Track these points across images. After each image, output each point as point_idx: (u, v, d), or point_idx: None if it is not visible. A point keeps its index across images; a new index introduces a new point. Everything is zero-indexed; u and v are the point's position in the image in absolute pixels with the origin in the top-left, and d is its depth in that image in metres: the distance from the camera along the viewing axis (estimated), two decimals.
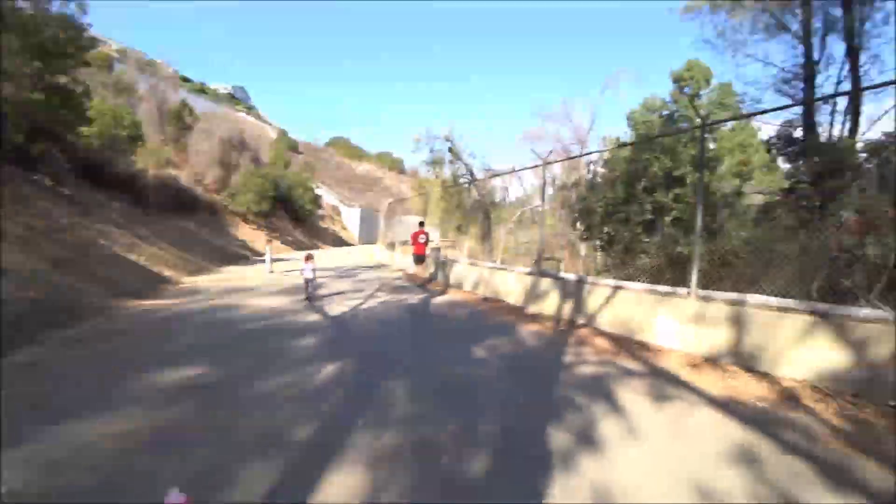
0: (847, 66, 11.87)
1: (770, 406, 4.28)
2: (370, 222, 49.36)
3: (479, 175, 19.07)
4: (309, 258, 10.13)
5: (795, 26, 13.08)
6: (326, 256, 25.55)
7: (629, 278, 7.70)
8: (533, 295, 8.85)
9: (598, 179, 16.22)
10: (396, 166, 78.46)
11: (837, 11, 11.95)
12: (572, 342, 6.66)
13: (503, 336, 7.00)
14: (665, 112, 33.11)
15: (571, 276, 8.47)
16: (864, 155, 9.44)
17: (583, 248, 15.51)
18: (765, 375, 4.97)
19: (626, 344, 6.42)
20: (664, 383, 4.90)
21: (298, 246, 30.34)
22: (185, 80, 55.15)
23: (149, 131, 24.81)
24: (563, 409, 4.15)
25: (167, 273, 12.61)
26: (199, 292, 10.71)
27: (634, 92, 39.98)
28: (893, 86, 5.09)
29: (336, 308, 8.83)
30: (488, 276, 10.44)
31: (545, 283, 8.63)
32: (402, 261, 17.66)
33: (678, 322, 6.09)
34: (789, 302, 5.11)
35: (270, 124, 66.40)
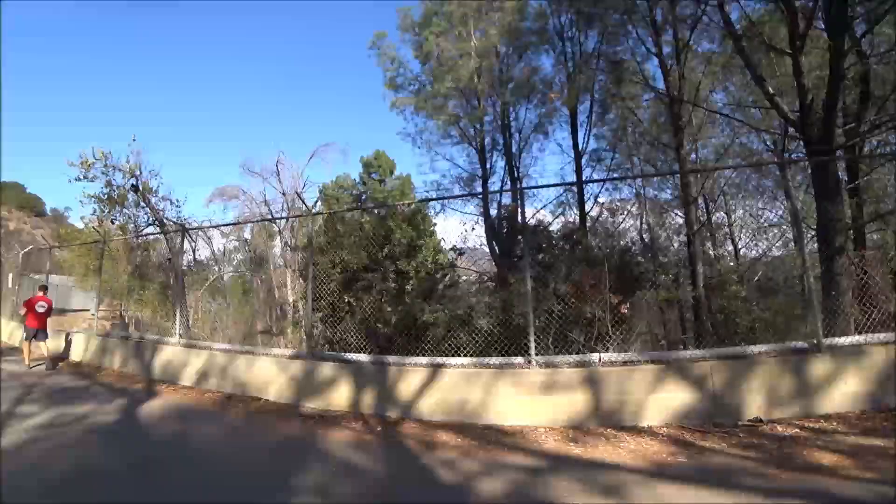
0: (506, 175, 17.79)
1: (686, 458, 4.15)
2: None
3: (170, 226, 14.56)
4: None
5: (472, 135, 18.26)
6: None
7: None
8: (310, 387, 6.26)
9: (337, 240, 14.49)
10: (30, 205, 58.82)
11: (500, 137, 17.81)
12: (416, 447, 4.74)
13: (312, 460, 4.37)
14: (354, 192, 34.63)
15: (365, 358, 6.33)
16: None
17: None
18: (638, 429, 4.89)
19: (475, 433, 5.07)
20: (581, 470, 4.01)
21: None
22: None
23: None
24: None
25: None
26: None
27: (339, 164, 40.14)
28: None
29: None
30: (226, 363, 7.15)
31: (327, 369, 6.22)
32: (54, 340, 11.53)
33: (525, 395, 5.29)
34: (629, 355, 5.58)
35: None
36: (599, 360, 5.47)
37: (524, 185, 18.60)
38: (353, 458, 4.39)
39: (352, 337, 9.21)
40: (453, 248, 14.10)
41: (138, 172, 13.39)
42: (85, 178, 12.75)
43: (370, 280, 11.25)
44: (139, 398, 6.78)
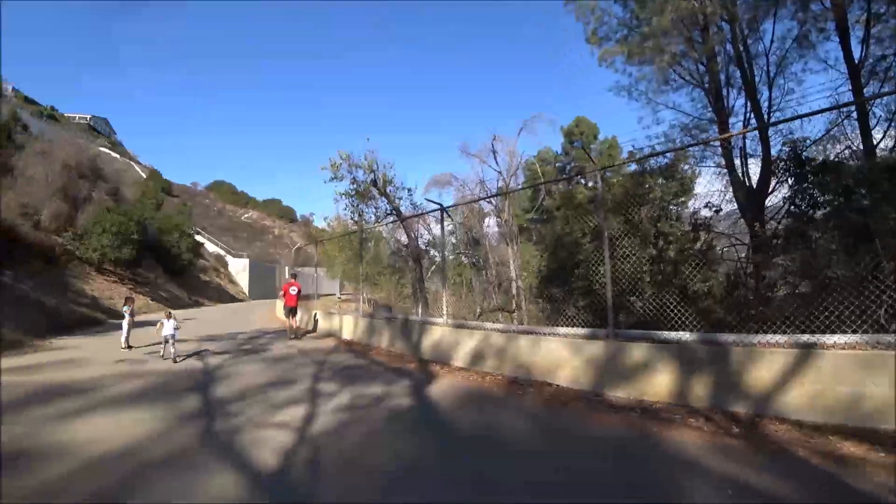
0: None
1: None
2: (261, 274, 43.56)
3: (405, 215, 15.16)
4: (169, 316, 8.66)
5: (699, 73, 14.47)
6: (215, 316, 19.40)
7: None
8: (614, 372, 5.15)
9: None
10: (286, 215, 71.68)
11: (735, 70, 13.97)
12: (820, 461, 3.33)
13: (680, 473, 3.24)
14: (557, 164, 32.79)
15: (689, 336, 4.96)
16: None
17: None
18: None
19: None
20: None
21: (175, 303, 23.24)
22: (30, 101, 45.30)
23: None
24: None
25: None
26: None
27: (548, 135, 38.29)
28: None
29: (261, 436, 4.07)
30: (503, 344, 6.48)
31: (638, 351, 5.00)
32: (325, 321, 12.88)
33: None
34: None
35: (140, 164, 56.51)
36: None
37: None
38: (742, 475, 3.12)
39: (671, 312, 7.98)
40: (707, 206, 11.82)
41: (375, 167, 14.11)
42: (335, 178, 13.91)
43: (628, 247, 9.85)
44: (420, 379, 6.51)
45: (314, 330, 13.51)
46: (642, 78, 17.14)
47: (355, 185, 14.18)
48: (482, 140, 29.90)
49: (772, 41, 14.91)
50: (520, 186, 19.12)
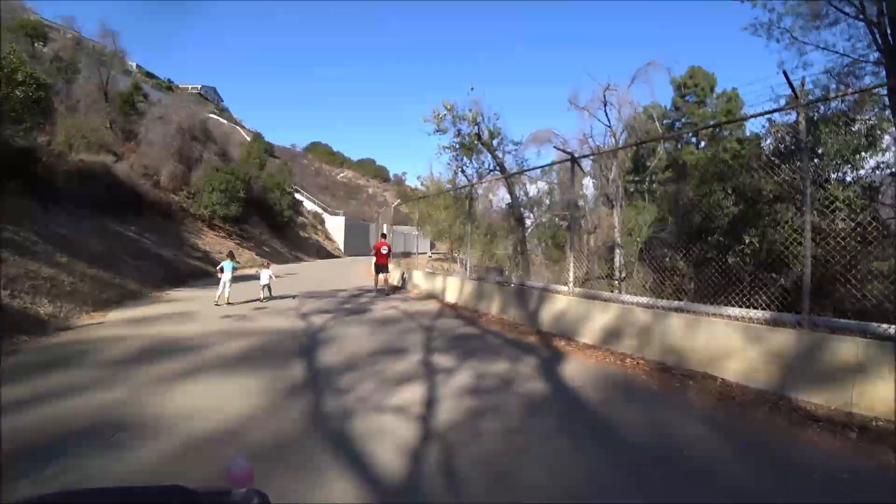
0: None
1: None
2: (356, 232, 44.98)
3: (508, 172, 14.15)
4: (267, 265, 10.88)
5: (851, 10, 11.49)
6: (315, 272, 19.83)
7: None
8: (808, 371, 3.96)
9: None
10: (380, 174, 73.15)
11: None
12: None
13: None
14: (665, 121, 29.45)
15: None
16: None
17: None
18: None
19: None
20: None
21: (277, 258, 24.30)
22: (150, 75, 48.95)
23: (90, 116, 19.25)
24: None
25: (47, 309, 6.97)
26: (70, 363, 4.91)
27: (664, 87, 33.75)
28: None
29: (379, 425, 3.43)
30: (648, 322, 5.39)
31: (848, 347, 3.72)
32: (426, 281, 12.43)
33: None
34: None
35: (245, 128, 59.61)
36: None
37: None
38: None
39: None
40: (879, 166, 9.66)
41: (480, 119, 13.20)
42: (439, 130, 13.23)
43: (777, 212, 8.26)
44: (546, 356, 5.68)
45: (404, 287, 13.47)
46: (790, 11, 14.24)
47: (459, 139, 13.39)
48: (590, 91, 27.31)
49: None
50: (670, 133, 17.23)
